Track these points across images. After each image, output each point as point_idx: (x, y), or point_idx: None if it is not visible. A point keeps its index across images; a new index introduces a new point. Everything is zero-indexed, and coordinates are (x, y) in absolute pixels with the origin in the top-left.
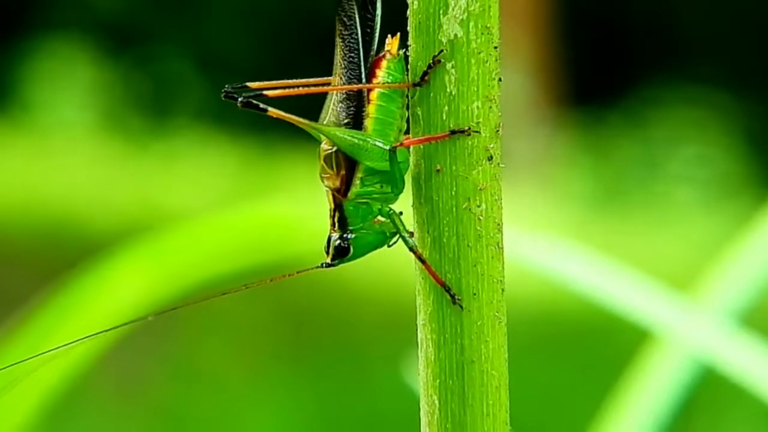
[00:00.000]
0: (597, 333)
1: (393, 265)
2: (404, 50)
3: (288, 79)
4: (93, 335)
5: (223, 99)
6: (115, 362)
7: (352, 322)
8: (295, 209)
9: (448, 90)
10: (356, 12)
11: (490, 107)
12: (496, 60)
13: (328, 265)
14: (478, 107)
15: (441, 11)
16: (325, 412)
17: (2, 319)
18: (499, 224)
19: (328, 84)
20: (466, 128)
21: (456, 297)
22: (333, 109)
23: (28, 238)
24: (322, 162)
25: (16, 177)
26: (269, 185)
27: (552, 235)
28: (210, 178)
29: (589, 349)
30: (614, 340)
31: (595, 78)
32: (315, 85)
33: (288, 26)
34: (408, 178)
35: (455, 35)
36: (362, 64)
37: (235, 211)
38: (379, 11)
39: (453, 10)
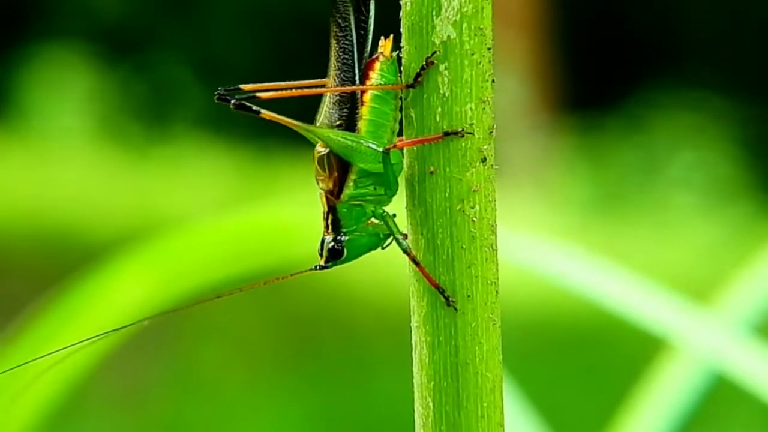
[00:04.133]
0: (595, 336)
1: (393, 267)
2: (397, 52)
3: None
4: (89, 339)
5: (216, 102)
6: (115, 369)
7: (353, 326)
8: (293, 213)
9: (441, 91)
10: (351, 14)
11: (484, 109)
12: (490, 61)
13: (322, 268)
14: (471, 109)
15: (434, 13)
16: (326, 417)
17: (1, 326)
18: (492, 226)
19: (322, 86)
20: (460, 130)
21: (450, 299)
22: (326, 110)
23: (26, 245)
24: (315, 164)
25: (15, 184)
26: (267, 191)
27: (550, 240)
28: (208, 184)
29: (586, 352)
30: (612, 342)
31: (592, 83)
32: (308, 87)
33: (287, 32)
34: (401, 180)
35: (448, 37)
36: (356, 65)
37: (234, 216)
38: (372, 13)
39: (446, 11)
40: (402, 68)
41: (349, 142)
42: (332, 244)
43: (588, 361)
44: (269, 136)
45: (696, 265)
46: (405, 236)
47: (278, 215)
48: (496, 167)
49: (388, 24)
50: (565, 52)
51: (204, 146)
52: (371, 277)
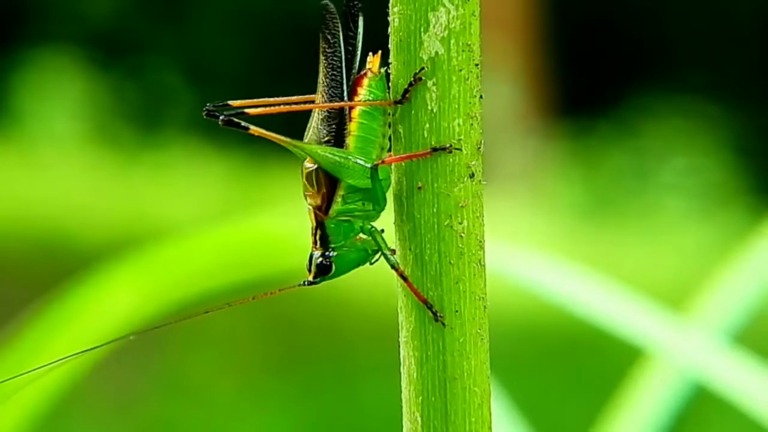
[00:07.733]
0: (580, 344)
1: (382, 277)
2: (385, 68)
3: (278, 90)
4: (75, 354)
5: (204, 117)
6: (104, 376)
7: (342, 334)
8: (285, 223)
9: (429, 107)
10: (340, 30)
11: (472, 124)
12: (477, 77)
13: (310, 283)
14: (459, 124)
15: (422, 29)
16: (316, 425)
17: None
18: (480, 241)
19: (311, 102)
20: (448, 145)
21: (438, 314)
22: (315, 126)
23: (16, 249)
24: (304, 180)
25: (5, 188)
26: (259, 196)
27: (542, 246)
28: (200, 189)
29: (572, 360)
30: (601, 355)
31: (584, 88)
32: (296, 103)
33: (278, 38)
34: (390, 196)
35: (436, 53)
36: (344, 82)
37: (226, 226)
38: (361, 29)
39: (434, 27)
40: (390, 84)
41: (338, 158)
42: (320, 259)
43: (574, 369)
44: (261, 141)
45: (687, 270)
46: (393, 251)
47: (269, 224)
48: (484, 182)
49: (377, 40)
50: (557, 57)
51: (195, 150)
52: (361, 284)
